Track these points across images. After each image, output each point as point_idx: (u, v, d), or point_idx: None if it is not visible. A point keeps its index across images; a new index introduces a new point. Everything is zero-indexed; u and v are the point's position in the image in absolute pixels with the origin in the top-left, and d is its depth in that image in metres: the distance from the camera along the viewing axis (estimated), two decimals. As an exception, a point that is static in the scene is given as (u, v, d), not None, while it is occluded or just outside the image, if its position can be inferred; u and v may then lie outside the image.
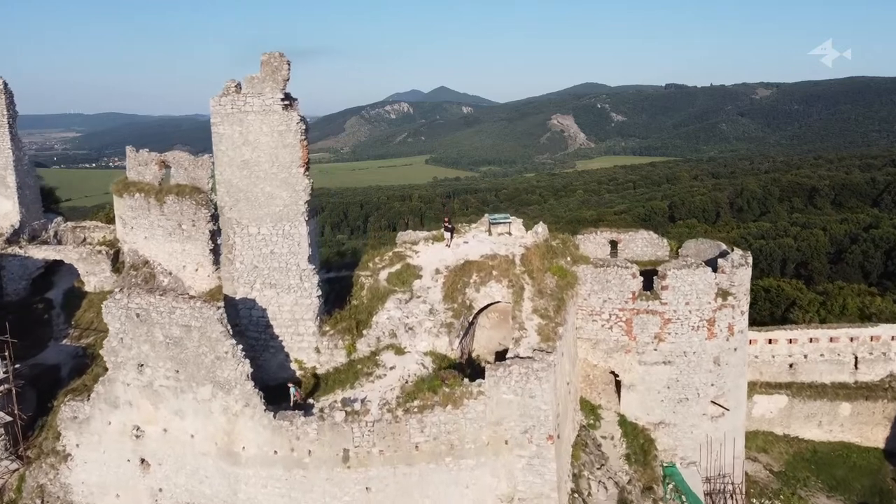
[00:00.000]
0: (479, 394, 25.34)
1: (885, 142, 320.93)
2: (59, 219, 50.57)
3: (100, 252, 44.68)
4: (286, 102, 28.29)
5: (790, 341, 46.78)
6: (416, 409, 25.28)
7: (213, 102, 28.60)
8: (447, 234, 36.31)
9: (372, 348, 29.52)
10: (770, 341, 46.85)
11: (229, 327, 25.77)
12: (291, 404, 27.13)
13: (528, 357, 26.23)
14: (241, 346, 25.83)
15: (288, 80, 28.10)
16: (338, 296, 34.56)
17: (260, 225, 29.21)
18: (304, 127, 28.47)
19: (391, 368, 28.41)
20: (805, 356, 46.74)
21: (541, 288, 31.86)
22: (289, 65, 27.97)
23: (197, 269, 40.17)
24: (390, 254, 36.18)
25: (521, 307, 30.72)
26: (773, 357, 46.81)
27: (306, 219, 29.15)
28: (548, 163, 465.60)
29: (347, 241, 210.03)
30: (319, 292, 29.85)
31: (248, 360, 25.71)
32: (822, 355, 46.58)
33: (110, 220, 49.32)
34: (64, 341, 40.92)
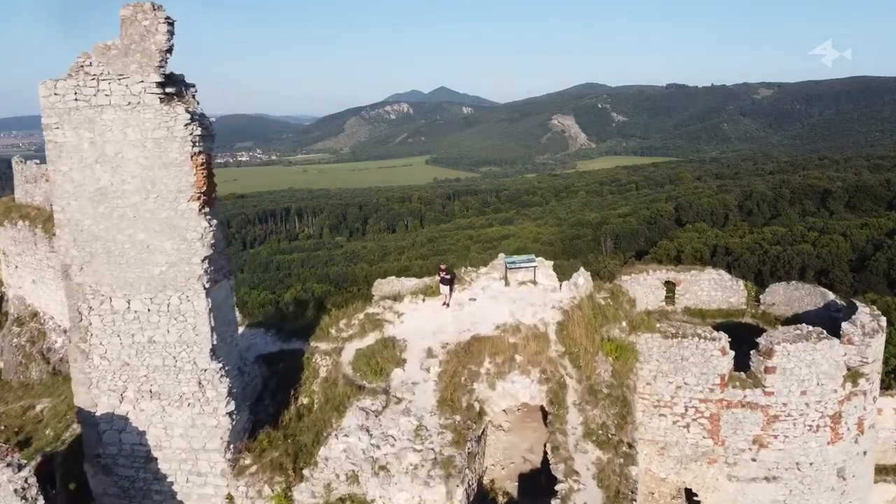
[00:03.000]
0: None
1: (889, 142, 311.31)
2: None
3: (-28, 300, 33.12)
4: (168, 90, 16.45)
5: (897, 410, 35.27)
6: None
7: (45, 90, 16.72)
8: (445, 289, 24.58)
9: (319, 500, 17.71)
10: (872, 411, 35.27)
11: (41, 500, 14.00)
12: None
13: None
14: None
15: (169, 50, 16.15)
16: (281, 383, 22.92)
17: (130, 296, 17.36)
18: (199, 132, 16.60)
19: (348, 548, 16.70)
20: (918, 430, 35.19)
21: (593, 384, 20.11)
22: (170, 25, 16.07)
23: (97, 329, 28.59)
24: (361, 316, 24.55)
25: (563, 422, 18.92)
26: (877, 432, 35.22)
27: (206, 285, 17.30)
28: (549, 163, 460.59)
29: (346, 243, 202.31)
30: (232, 406, 17.97)
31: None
32: (939, 429, 35.07)
33: (6, 251, 37.63)
34: None
